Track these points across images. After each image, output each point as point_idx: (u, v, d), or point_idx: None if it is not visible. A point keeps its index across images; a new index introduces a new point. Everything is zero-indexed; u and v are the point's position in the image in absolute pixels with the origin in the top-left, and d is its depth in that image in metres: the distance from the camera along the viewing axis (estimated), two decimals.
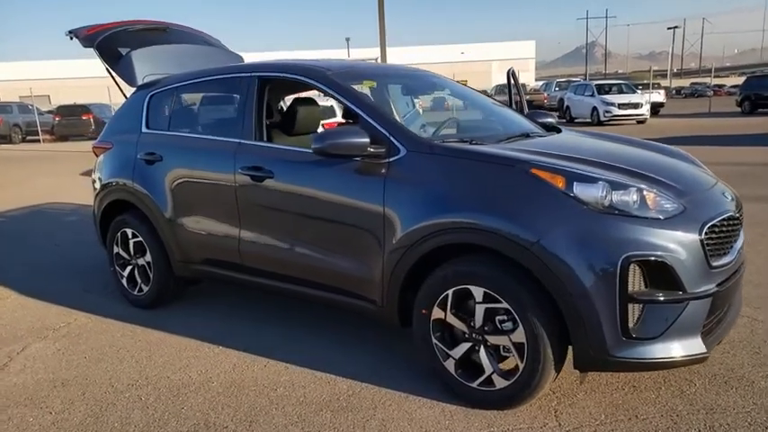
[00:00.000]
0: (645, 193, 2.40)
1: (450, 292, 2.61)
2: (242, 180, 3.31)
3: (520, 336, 2.45)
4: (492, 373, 2.57)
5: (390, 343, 3.36)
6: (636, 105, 20.45)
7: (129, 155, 3.98)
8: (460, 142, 2.87)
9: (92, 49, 4.49)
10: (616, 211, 2.33)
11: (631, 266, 2.25)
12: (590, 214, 2.33)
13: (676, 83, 63.31)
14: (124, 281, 4.17)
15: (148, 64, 4.31)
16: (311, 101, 3.74)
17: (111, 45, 4.38)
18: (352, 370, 3.05)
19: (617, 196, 2.36)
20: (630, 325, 2.29)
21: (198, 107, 4.16)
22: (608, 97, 20.93)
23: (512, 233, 2.38)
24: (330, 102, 14.00)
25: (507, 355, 2.57)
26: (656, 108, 24.39)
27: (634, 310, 2.29)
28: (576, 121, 22.37)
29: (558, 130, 3.58)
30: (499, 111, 3.84)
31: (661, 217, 2.35)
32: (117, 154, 4.12)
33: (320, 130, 4.02)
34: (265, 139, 3.42)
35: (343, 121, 4.18)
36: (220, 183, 3.44)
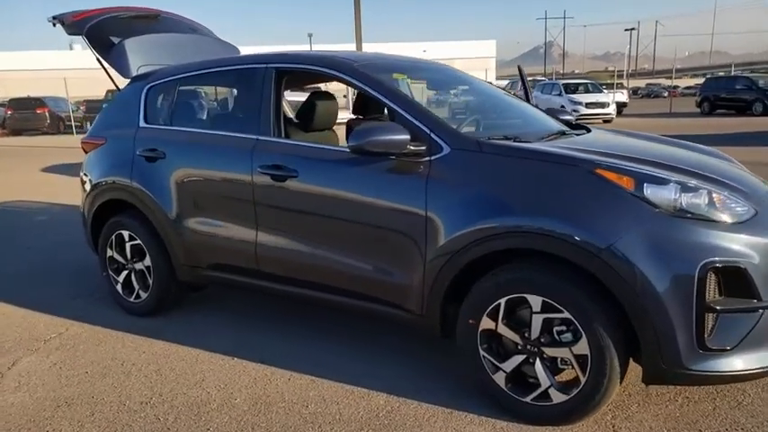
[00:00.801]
0: (714, 195, 2.28)
1: (502, 301, 2.44)
2: (261, 180, 3.07)
3: (583, 347, 2.30)
4: (549, 386, 2.41)
5: (422, 353, 3.18)
6: (602, 105, 20.80)
7: (125, 151, 3.68)
8: (505, 140, 2.71)
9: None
10: (688, 215, 2.20)
11: (708, 274, 2.13)
12: (662, 218, 2.19)
13: (632, 83, 64.92)
14: (119, 287, 3.87)
15: (142, 54, 4.01)
16: (329, 95, 3.52)
17: (101, 33, 4.06)
18: (386, 383, 2.86)
19: (687, 198, 2.23)
20: (706, 336, 2.16)
21: (204, 101, 3.88)
22: (575, 96, 21.22)
23: (578, 238, 2.22)
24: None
25: (564, 367, 2.42)
26: (619, 108, 24.84)
27: (708, 320, 2.17)
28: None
29: (586, 129, 3.45)
30: (523, 108, 3.69)
31: (733, 220, 2.23)
32: (111, 150, 3.81)
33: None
34: (283, 135, 3.19)
35: (353, 116, 3.96)
36: (235, 182, 3.19)
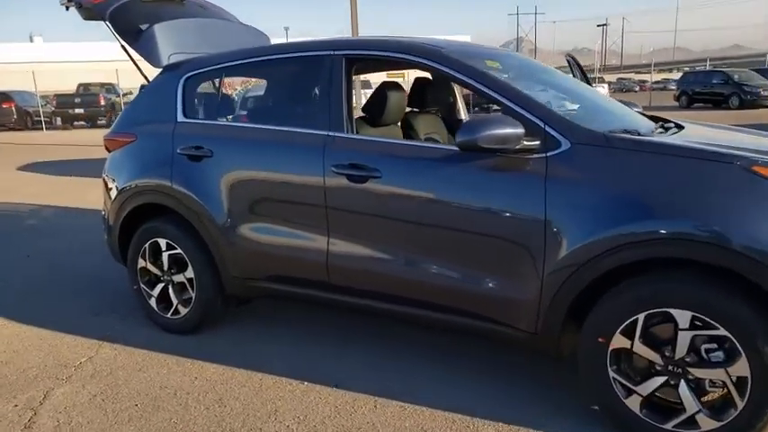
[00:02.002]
0: None
1: (641, 316, 2.15)
2: (335, 181, 2.72)
3: (741, 368, 2.02)
4: (696, 412, 2.13)
5: (521, 369, 2.86)
6: None
7: (162, 149, 3.27)
8: (626, 133, 2.41)
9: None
10: None
11: None
12: None
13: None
14: (153, 301, 3.46)
15: (173, 40, 3.61)
16: (399, 86, 3.17)
17: (125, 17, 3.64)
18: (488, 408, 2.53)
19: None
20: None
21: (255, 92, 3.49)
22: None
23: (743, 246, 1.94)
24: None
25: (712, 390, 2.14)
26: None
27: None
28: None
29: (675, 123, 3.17)
30: (609, 101, 3.39)
31: None
32: (144, 148, 3.39)
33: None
34: (355, 130, 2.85)
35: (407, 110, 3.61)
36: (302, 184, 2.83)
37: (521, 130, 2.29)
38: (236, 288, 3.20)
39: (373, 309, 2.82)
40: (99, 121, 23.54)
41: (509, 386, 2.72)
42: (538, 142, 2.33)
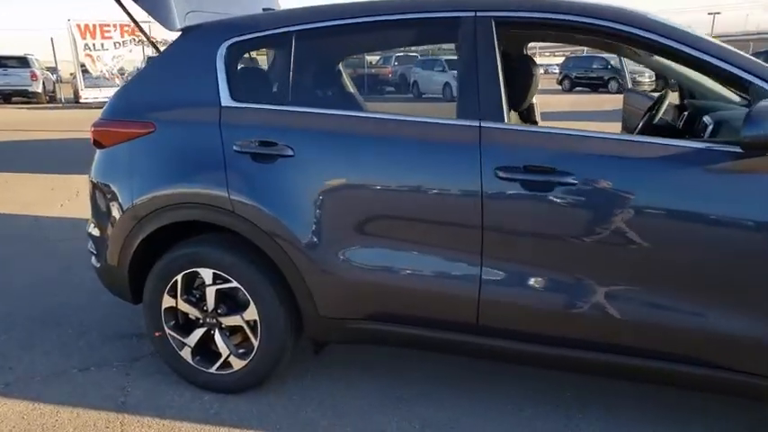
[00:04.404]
0: None
1: None
2: (499, 188, 2.02)
3: None
4: None
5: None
6: None
7: (206, 144, 2.35)
8: None
9: None
10: None
11: None
12: None
13: None
14: (186, 352, 2.53)
15: None
16: (534, 60, 2.49)
17: None
18: None
19: None
20: None
21: (346, 67, 2.63)
22: None
23: None
24: None
25: None
26: None
27: None
28: (426, 96, 22.23)
29: None
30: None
31: None
32: (172, 143, 2.42)
33: None
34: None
35: None
36: (444, 193, 2.10)
37: None
38: (324, 331, 2.39)
39: (539, 355, 2.17)
40: None
41: None
42: None
